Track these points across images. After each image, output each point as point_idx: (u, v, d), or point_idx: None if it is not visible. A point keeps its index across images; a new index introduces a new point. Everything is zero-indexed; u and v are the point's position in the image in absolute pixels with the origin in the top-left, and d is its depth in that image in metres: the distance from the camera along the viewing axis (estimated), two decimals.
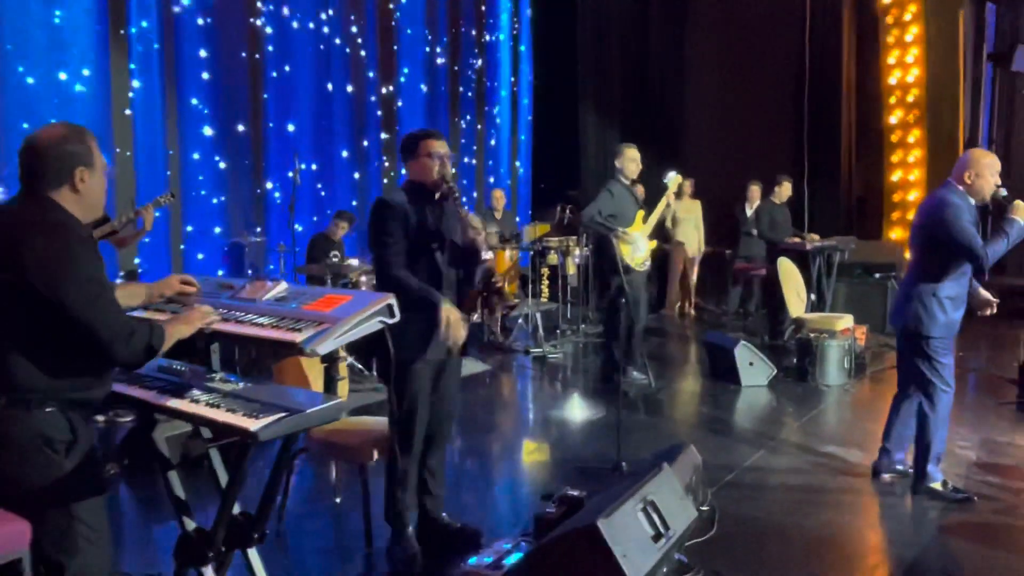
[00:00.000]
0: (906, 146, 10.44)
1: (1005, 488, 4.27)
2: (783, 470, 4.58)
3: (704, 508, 3.80)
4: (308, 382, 3.53)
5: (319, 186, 8.68)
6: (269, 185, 8.26)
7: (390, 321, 2.42)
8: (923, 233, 3.99)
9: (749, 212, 9.47)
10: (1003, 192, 3.95)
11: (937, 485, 4.07)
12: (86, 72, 6.60)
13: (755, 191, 9.42)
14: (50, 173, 2.21)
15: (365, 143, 9.38)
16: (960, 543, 3.62)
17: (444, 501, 3.65)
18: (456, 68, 10.77)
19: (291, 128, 8.41)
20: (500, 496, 4.48)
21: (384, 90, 9.62)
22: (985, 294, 4.19)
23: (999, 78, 10.57)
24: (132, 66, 6.95)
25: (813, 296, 7.86)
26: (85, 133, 2.29)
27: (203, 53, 7.51)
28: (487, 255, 3.42)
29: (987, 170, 3.87)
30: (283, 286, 2.65)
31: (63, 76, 6.45)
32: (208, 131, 7.60)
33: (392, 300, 2.41)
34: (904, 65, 10.47)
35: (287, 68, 8.37)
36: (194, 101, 7.50)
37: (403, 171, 3.59)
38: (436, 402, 3.48)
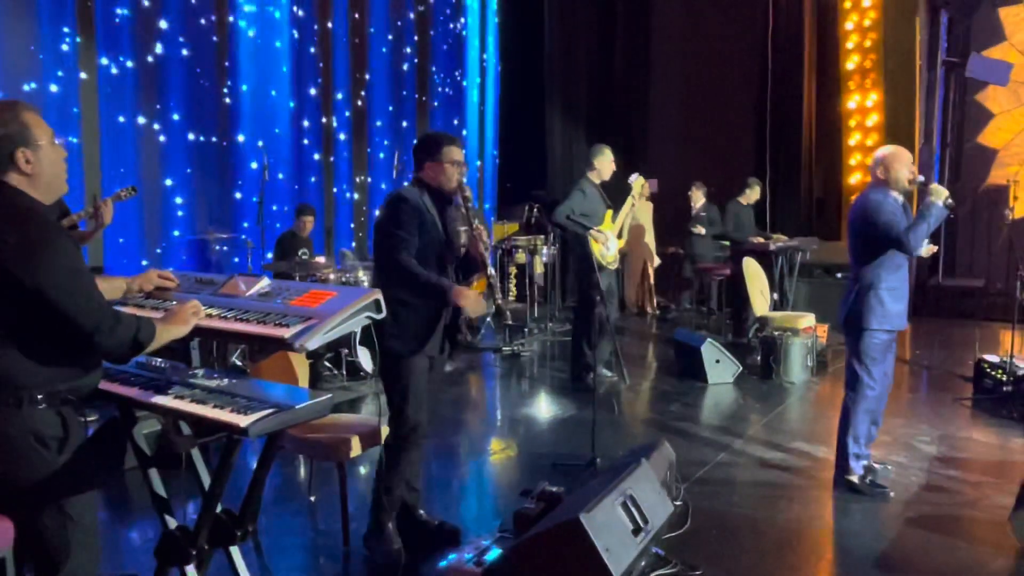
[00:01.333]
0: (864, 149, 10.68)
1: (965, 482, 4.40)
2: (752, 465, 4.67)
3: (678, 503, 3.86)
4: (296, 378, 3.51)
5: (277, 203, 8.57)
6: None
7: (377, 317, 2.41)
8: (854, 231, 4.16)
9: (694, 212, 9.78)
10: (921, 178, 4.13)
11: (854, 478, 4.20)
12: (67, 44, 6.44)
13: (697, 194, 9.75)
14: None
15: (333, 144, 9.33)
16: (925, 535, 3.73)
17: (420, 497, 3.65)
18: (421, 65, 10.75)
19: (251, 139, 8.32)
20: (475, 493, 4.49)
21: (351, 92, 9.56)
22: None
23: (952, 84, 10.88)
24: (99, 51, 6.81)
25: (775, 295, 8.01)
26: (19, 109, 2.13)
27: (155, 50, 7.38)
28: (491, 271, 3.44)
29: (895, 162, 4.05)
30: (265, 281, 2.63)
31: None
32: (172, 130, 7.48)
33: (379, 295, 2.40)
34: (863, 70, 10.73)
35: (254, 70, 8.29)
36: (175, 114, 7.38)
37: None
38: None
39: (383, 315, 2.42)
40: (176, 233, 7.50)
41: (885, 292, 4.06)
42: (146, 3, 7.15)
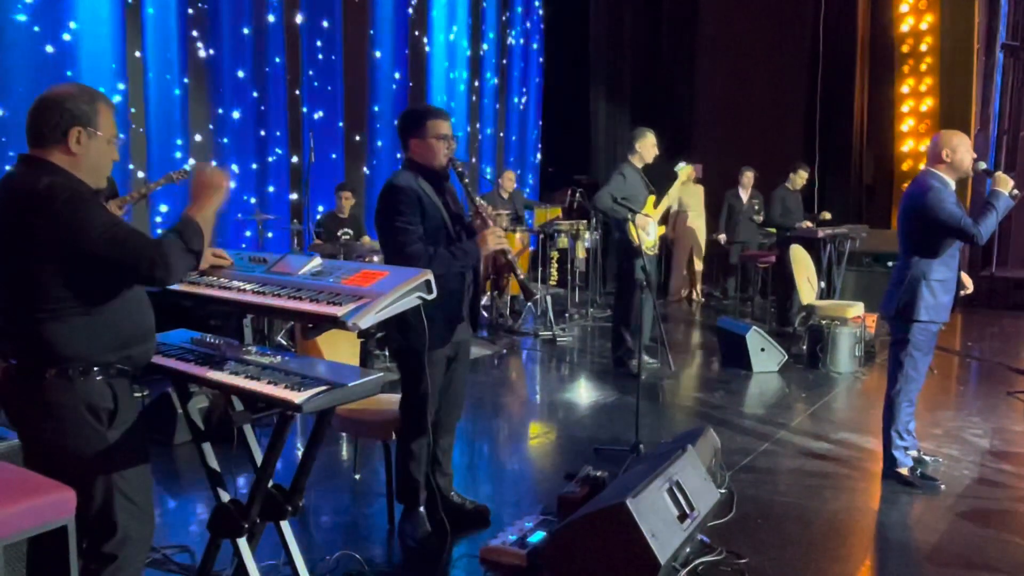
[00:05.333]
0: (917, 135, 10.42)
1: (1019, 476, 4.29)
2: (798, 455, 4.60)
3: (723, 491, 3.82)
4: (344, 358, 3.54)
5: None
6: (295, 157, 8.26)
7: (428, 297, 2.41)
8: (909, 220, 4.01)
9: (744, 197, 9.59)
10: (983, 165, 4.01)
11: (903, 470, 4.13)
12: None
13: (749, 176, 9.58)
14: (46, 129, 2.12)
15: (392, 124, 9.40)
16: (978, 529, 3.64)
17: (452, 480, 3.67)
18: (480, 53, 10.79)
19: (308, 109, 8.41)
20: (516, 477, 4.50)
21: (407, 69, 9.63)
22: (962, 276, 4.21)
23: (1011, 68, 10.54)
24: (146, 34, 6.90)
25: (822, 283, 7.87)
26: (97, 97, 2.19)
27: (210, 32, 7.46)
28: (509, 252, 3.31)
29: (960, 145, 3.92)
30: (317, 261, 2.65)
31: (68, 37, 6.37)
32: (226, 108, 7.58)
33: (430, 276, 2.40)
34: (918, 54, 10.44)
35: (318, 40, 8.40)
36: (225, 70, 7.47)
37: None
38: (448, 385, 3.48)
39: (433, 295, 2.43)
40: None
41: (936, 284, 3.96)
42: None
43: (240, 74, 7.68)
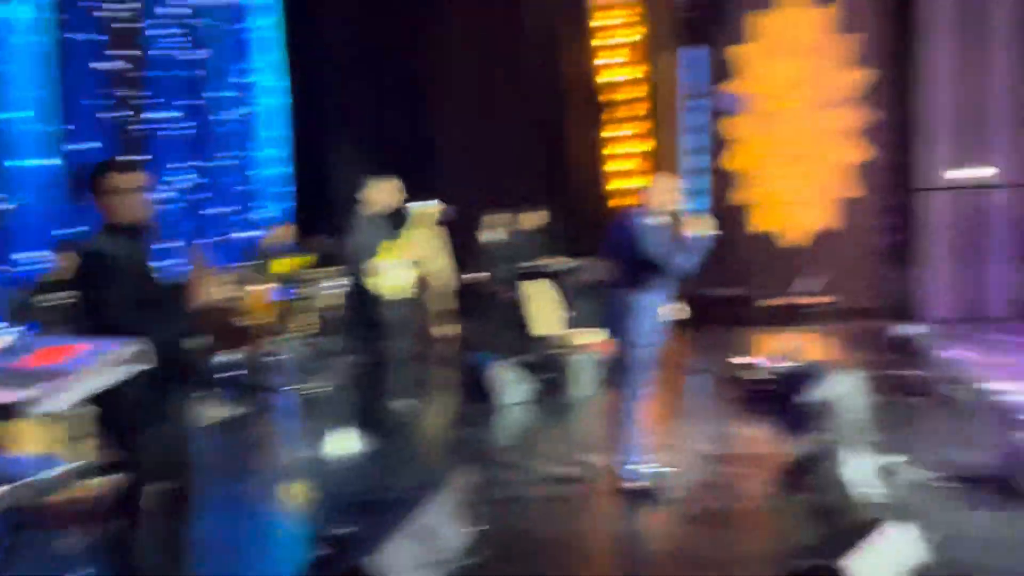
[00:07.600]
0: (625, 174, 11.66)
1: (738, 475, 4.77)
2: (545, 482, 4.80)
3: (475, 528, 3.87)
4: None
5: None
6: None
7: (145, 367, 2.24)
8: (619, 251, 4.48)
9: (492, 237, 10.01)
10: (682, 209, 4.61)
11: (638, 484, 4.48)
12: None
13: (496, 218, 10.03)
14: None
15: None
16: (705, 530, 4.03)
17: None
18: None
19: None
20: (262, 547, 4.26)
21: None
22: (676, 302, 4.73)
23: (711, 114, 11.99)
24: None
25: (560, 314, 8.33)
26: None
27: None
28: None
29: (656, 188, 4.53)
30: (7, 339, 2.36)
31: None
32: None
33: (142, 345, 2.23)
34: (622, 101, 11.69)
35: None
36: None
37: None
38: (170, 455, 3.15)
39: (151, 364, 2.26)
40: None
41: (646, 308, 4.39)
42: None
43: None
